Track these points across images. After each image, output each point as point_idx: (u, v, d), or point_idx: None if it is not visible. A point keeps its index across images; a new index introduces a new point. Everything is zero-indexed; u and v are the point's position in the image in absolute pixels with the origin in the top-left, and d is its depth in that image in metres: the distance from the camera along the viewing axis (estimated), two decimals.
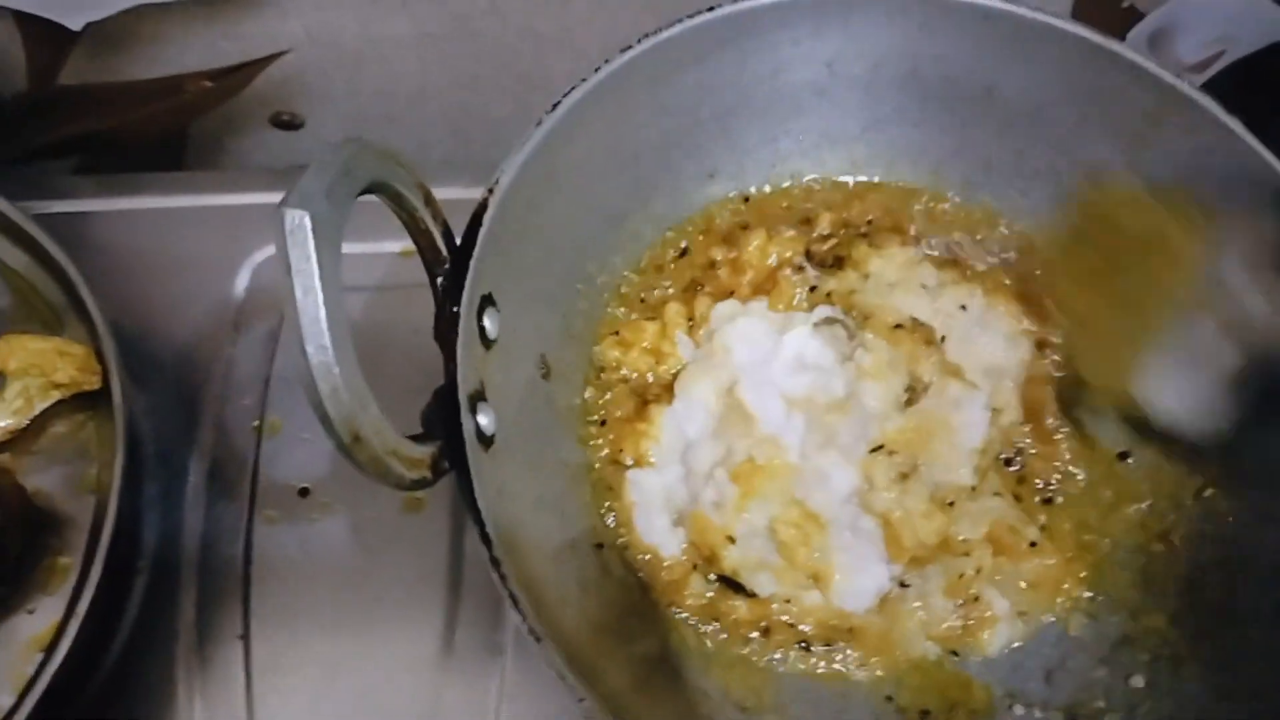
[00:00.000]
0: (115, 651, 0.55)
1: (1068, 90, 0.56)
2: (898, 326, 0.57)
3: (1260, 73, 0.74)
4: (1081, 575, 0.53)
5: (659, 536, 0.53)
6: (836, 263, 0.59)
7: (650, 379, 0.57)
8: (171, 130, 0.78)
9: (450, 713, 0.55)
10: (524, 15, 0.72)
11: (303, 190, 0.35)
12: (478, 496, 0.40)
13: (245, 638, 0.56)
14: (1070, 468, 0.56)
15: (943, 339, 0.57)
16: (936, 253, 0.60)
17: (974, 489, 0.54)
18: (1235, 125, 0.52)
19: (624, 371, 0.57)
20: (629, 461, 0.54)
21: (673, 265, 0.60)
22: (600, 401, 0.56)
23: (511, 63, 0.75)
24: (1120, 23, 0.75)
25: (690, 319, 0.58)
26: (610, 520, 0.54)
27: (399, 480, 0.39)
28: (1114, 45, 0.54)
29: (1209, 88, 0.78)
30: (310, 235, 0.34)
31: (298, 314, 0.35)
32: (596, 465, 0.55)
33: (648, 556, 0.53)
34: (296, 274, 0.34)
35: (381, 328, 0.64)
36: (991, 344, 0.57)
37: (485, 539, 0.39)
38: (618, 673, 0.45)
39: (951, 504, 0.54)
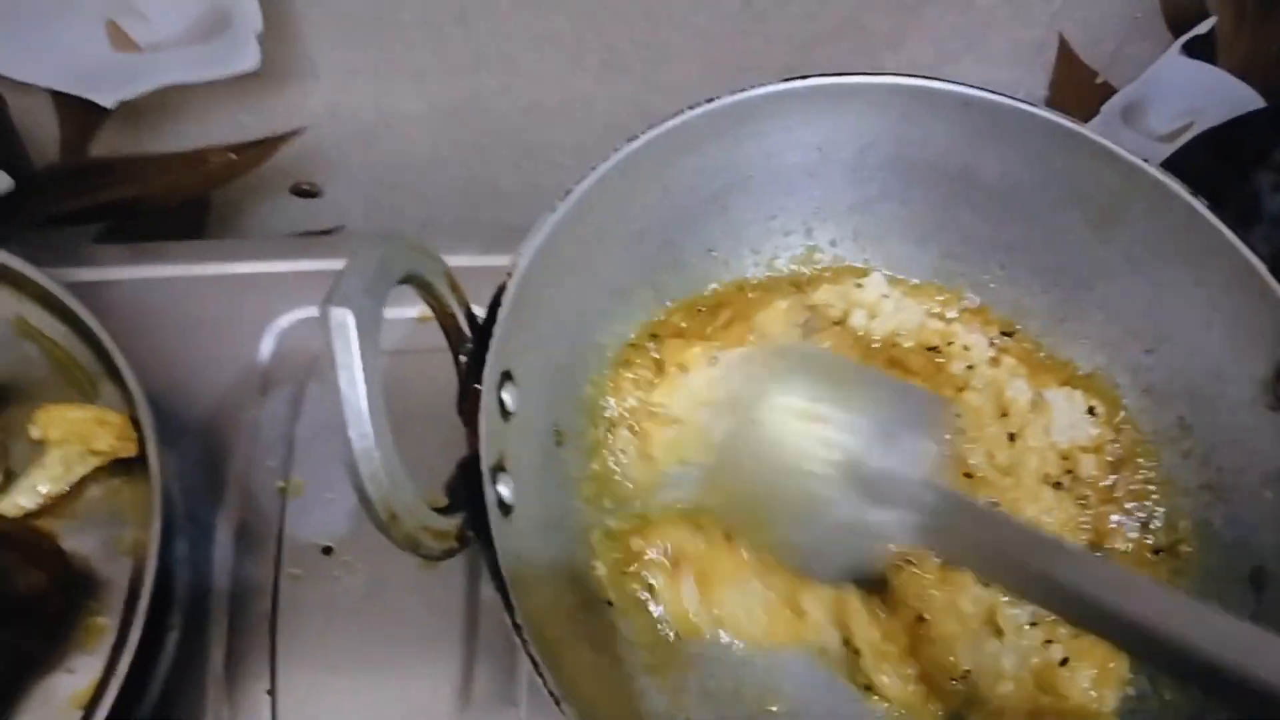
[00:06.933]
0: (148, 706, 0.57)
1: (1041, 171, 0.60)
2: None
3: (1226, 143, 0.79)
4: None
5: None
6: None
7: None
8: (195, 198, 0.82)
9: None
10: (530, 93, 0.76)
11: (344, 289, 0.39)
12: (501, 566, 0.43)
13: (272, 692, 0.58)
14: None
15: None
16: None
17: None
18: (1198, 205, 0.56)
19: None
20: None
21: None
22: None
23: (517, 136, 0.79)
24: (1095, 98, 0.79)
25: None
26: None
27: (429, 552, 0.42)
28: (1082, 129, 0.58)
29: (1179, 156, 0.83)
30: (354, 332, 0.38)
31: (342, 404, 0.38)
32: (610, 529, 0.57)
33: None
34: (342, 368, 0.38)
35: (401, 390, 0.66)
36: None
37: (509, 606, 0.42)
38: None
39: None
